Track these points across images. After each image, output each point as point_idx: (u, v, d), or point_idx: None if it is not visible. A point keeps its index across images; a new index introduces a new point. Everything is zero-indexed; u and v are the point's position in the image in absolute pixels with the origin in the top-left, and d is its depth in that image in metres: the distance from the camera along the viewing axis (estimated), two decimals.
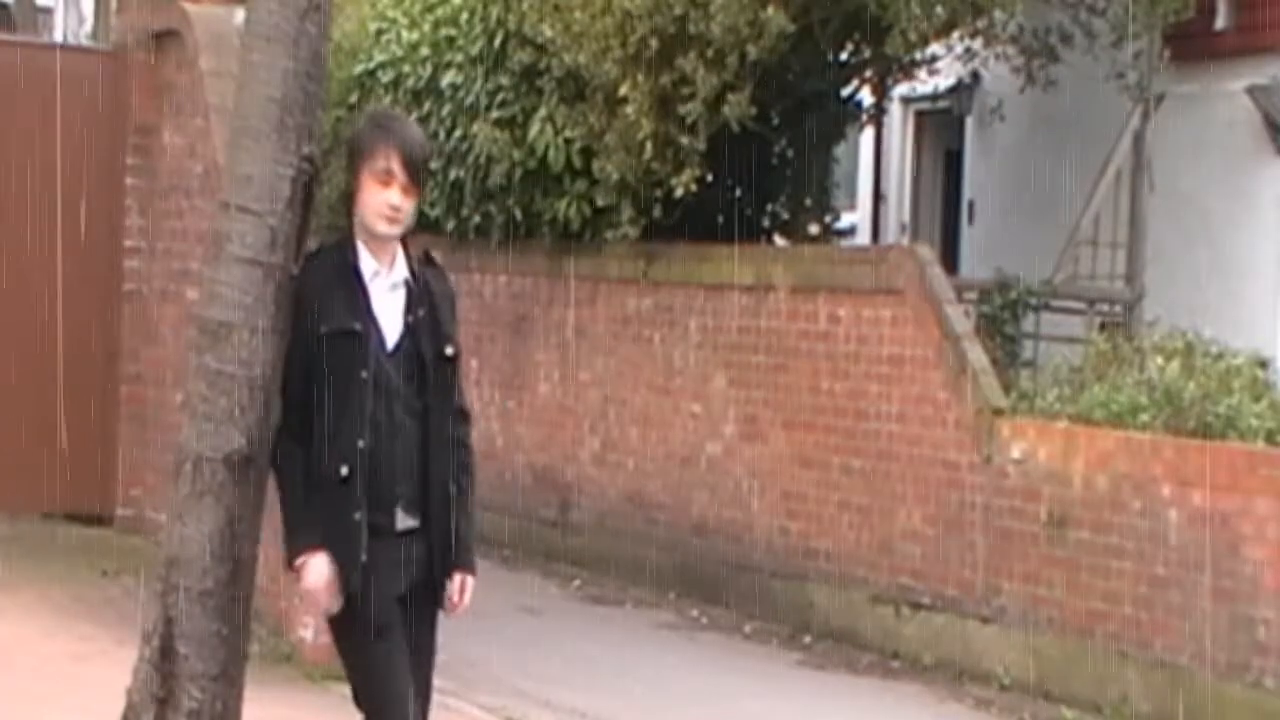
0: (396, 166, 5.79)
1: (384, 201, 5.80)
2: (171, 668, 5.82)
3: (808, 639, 12.09)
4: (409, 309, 5.84)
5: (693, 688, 10.55)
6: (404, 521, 5.78)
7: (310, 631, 9.35)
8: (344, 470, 5.66)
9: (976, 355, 11.43)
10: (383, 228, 5.83)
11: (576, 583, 13.44)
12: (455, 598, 5.88)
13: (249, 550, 5.95)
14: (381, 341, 5.77)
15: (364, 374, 5.69)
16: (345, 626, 5.77)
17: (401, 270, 5.89)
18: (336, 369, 5.70)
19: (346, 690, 8.97)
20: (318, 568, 5.67)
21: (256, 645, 7.58)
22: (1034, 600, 10.91)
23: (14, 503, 11.79)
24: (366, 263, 5.81)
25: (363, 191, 5.81)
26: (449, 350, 5.85)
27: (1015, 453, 11.03)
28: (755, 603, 12.59)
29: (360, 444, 5.67)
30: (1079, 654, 10.62)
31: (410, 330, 5.81)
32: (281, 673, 9.07)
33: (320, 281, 5.78)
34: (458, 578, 5.86)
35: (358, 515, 5.66)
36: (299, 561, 5.70)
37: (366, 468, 5.68)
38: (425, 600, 5.85)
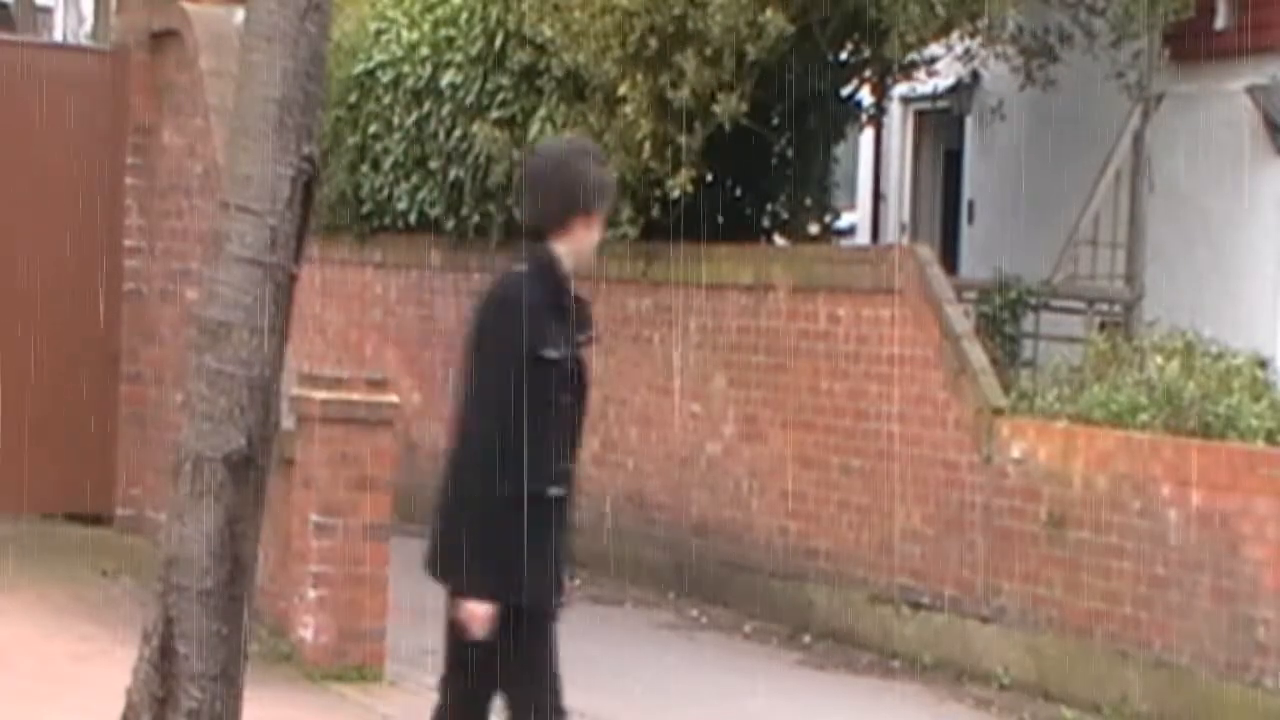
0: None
1: (597, 240, 6.08)
2: (171, 668, 5.82)
3: (807, 639, 12.09)
4: (579, 333, 6.05)
5: (692, 687, 10.55)
6: None
7: (310, 631, 9.36)
8: (555, 491, 5.86)
9: (976, 355, 11.43)
10: (591, 263, 6.13)
11: (576, 582, 13.40)
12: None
13: (249, 550, 5.94)
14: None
15: (567, 398, 5.93)
16: (526, 618, 5.88)
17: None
18: (551, 393, 5.87)
19: (346, 690, 8.98)
20: (488, 616, 5.81)
21: (256, 645, 7.58)
22: (1034, 600, 10.91)
23: (14, 503, 11.79)
24: (570, 290, 6.03)
25: (590, 230, 6.03)
26: (588, 376, 6.10)
27: (1015, 452, 11.03)
28: (755, 602, 12.59)
29: (567, 466, 5.92)
30: (1079, 654, 10.62)
31: (576, 352, 6.05)
32: (281, 673, 9.07)
33: (540, 305, 5.91)
34: None
35: (562, 535, 5.90)
36: (483, 604, 5.80)
37: (568, 488, 5.92)
38: None
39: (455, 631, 5.92)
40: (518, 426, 5.78)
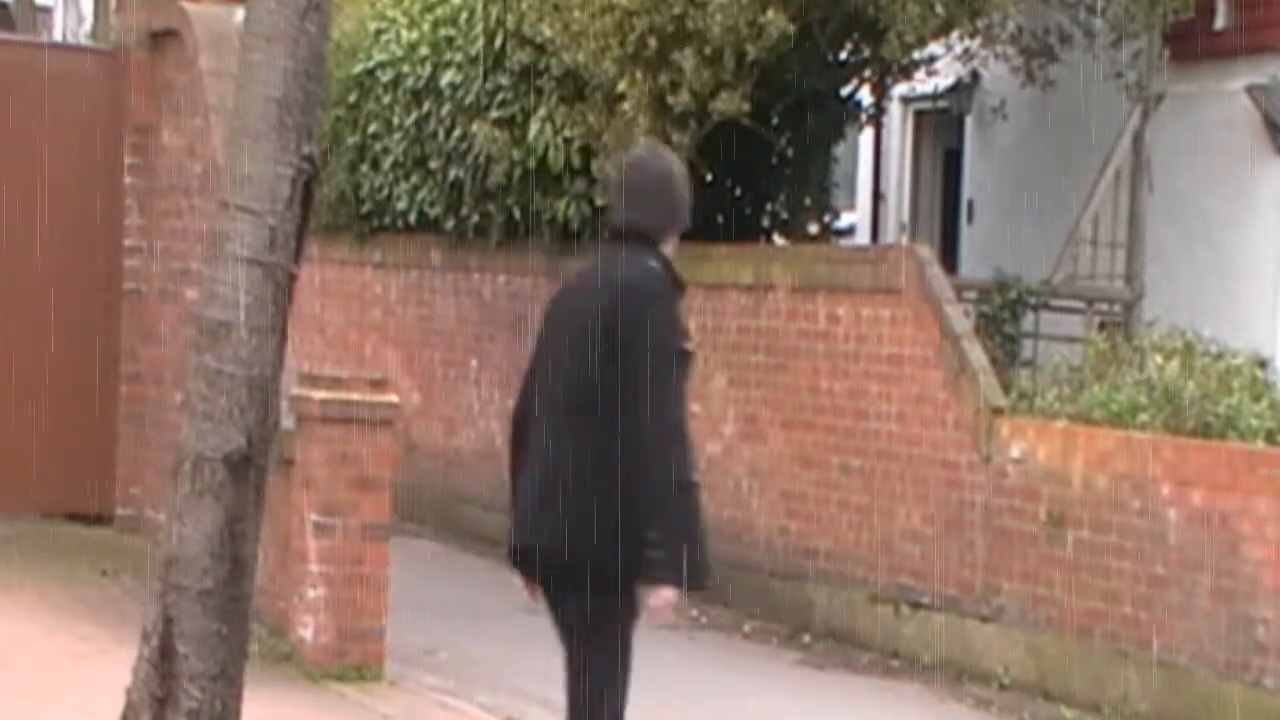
0: None
1: None
2: (171, 667, 5.83)
3: (807, 638, 12.09)
4: None
5: (692, 687, 10.54)
6: None
7: (310, 631, 9.36)
8: (697, 476, 6.10)
9: (976, 355, 11.43)
10: None
11: None
12: None
13: (249, 550, 5.95)
14: None
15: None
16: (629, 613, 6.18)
17: None
18: (687, 384, 6.12)
19: (346, 690, 8.98)
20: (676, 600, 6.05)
21: (256, 645, 7.59)
22: (1033, 600, 10.91)
23: (14, 503, 11.79)
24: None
25: (676, 240, 6.25)
26: None
27: (1015, 452, 11.03)
28: (755, 602, 12.59)
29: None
30: (1079, 654, 10.62)
31: None
32: (281, 673, 9.07)
33: (678, 300, 6.16)
34: None
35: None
36: (679, 590, 6.05)
37: None
38: None
39: (585, 625, 6.25)
40: (683, 415, 6.05)
